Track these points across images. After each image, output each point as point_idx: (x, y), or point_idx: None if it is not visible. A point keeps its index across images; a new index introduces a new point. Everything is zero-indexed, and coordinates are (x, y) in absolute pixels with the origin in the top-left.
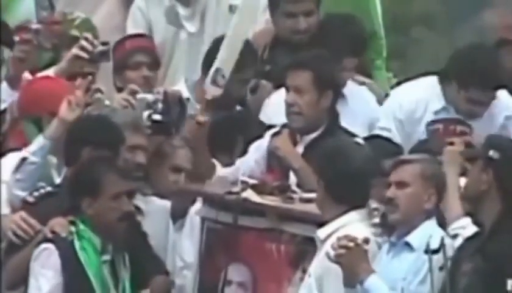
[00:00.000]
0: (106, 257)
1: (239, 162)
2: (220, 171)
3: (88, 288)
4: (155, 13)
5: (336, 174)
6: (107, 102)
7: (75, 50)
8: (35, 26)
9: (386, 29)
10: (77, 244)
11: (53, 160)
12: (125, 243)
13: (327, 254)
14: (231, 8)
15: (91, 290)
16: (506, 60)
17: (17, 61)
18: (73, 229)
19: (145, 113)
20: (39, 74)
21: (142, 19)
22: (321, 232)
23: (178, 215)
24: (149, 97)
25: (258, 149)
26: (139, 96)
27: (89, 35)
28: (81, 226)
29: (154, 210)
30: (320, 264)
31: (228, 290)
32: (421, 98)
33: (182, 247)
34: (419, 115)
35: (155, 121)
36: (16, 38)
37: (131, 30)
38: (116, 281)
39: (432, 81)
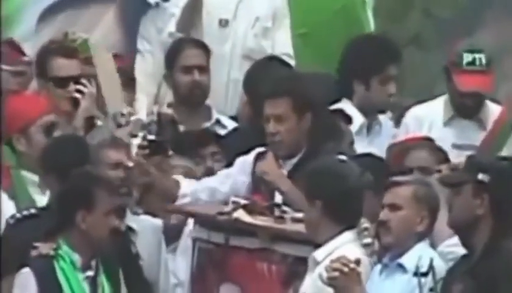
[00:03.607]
0: (89, 273)
1: (223, 172)
2: (204, 180)
3: None
4: (153, 34)
5: (335, 193)
6: (99, 123)
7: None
8: (28, 58)
9: None
10: (55, 264)
11: (34, 178)
12: (115, 258)
13: (320, 277)
14: (221, 23)
15: None
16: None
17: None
18: (51, 252)
19: (140, 134)
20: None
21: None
22: (318, 255)
23: (172, 237)
24: (144, 118)
25: (243, 165)
26: (134, 118)
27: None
28: (63, 246)
29: (146, 228)
30: (314, 282)
31: None
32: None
33: (176, 265)
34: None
35: (150, 141)
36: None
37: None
38: None
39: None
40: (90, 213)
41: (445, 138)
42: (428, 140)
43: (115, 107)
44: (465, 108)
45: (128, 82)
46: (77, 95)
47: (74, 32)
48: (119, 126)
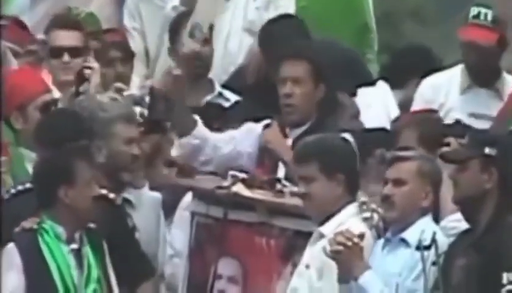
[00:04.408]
0: (74, 246)
1: (229, 133)
2: (213, 134)
3: (50, 282)
4: (146, 12)
5: (353, 166)
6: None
7: None
8: (41, 37)
9: (378, 24)
10: (40, 238)
11: (32, 155)
12: (103, 228)
13: (324, 249)
14: None
15: (53, 283)
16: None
17: None
18: (35, 225)
19: (137, 110)
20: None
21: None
22: (325, 229)
23: (170, 211)
24: (136, 93)
25: (249, 133)
26: (126, 93)
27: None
28: (47, 221)
29: (145, 202)
30: (319, 254)
31: (218, 284)
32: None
33: (172, 235)
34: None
35: (150, 120)
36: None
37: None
38: (83, 269)
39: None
40: (72, 187)
41: (461, 106)
42: (432, 112)
43: (198, 17)
44: (470, 62)
45: (127, 57)
46: (88, 71)
47: (77, 6)
48: (192, 36)
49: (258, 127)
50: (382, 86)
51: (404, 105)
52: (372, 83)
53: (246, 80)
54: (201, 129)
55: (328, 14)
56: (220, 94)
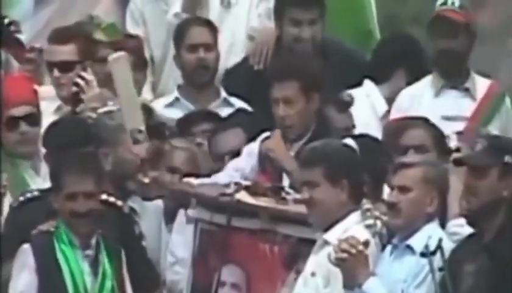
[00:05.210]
0: (89, 252)
1: (231, 165)
2: (214, 177)
3: (61, 285)
4: (151, 17)
5: (359, 172)
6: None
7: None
8: (38, 45)
9: (381, 29)
10: (55, 242)
11: (25, 162)
12: (117, 238)
13: (328, 257)
14: (223, 2)
15: (64, 287)
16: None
17: None
18: (52, 228)
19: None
20: None
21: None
22: (329, 237)
23: (171, 218)
24: (111, 107)
25: (250, 154)
26: (100, 110)
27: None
28: (62, 225)
29: (148, 210)
30: (325, 262)
31: (222, 291)
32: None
33: (173, 242)
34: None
35: (149, 126)
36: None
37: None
38: (97, 276)
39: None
40: (57, 195)
41: (434, 110)
42: (421, 119)
43: (133, 124)
44: (437, 44)
45: (141, 63)
46: (75, 88)
47: (98, 16)
48: (136, 142)
49: (255, 142)
50: (368, 85)
51: (392, 98)
52: (359, 83)
53: (253, 66)
54: (197, 184)
55: (332, 21)
56: (225, 100)
